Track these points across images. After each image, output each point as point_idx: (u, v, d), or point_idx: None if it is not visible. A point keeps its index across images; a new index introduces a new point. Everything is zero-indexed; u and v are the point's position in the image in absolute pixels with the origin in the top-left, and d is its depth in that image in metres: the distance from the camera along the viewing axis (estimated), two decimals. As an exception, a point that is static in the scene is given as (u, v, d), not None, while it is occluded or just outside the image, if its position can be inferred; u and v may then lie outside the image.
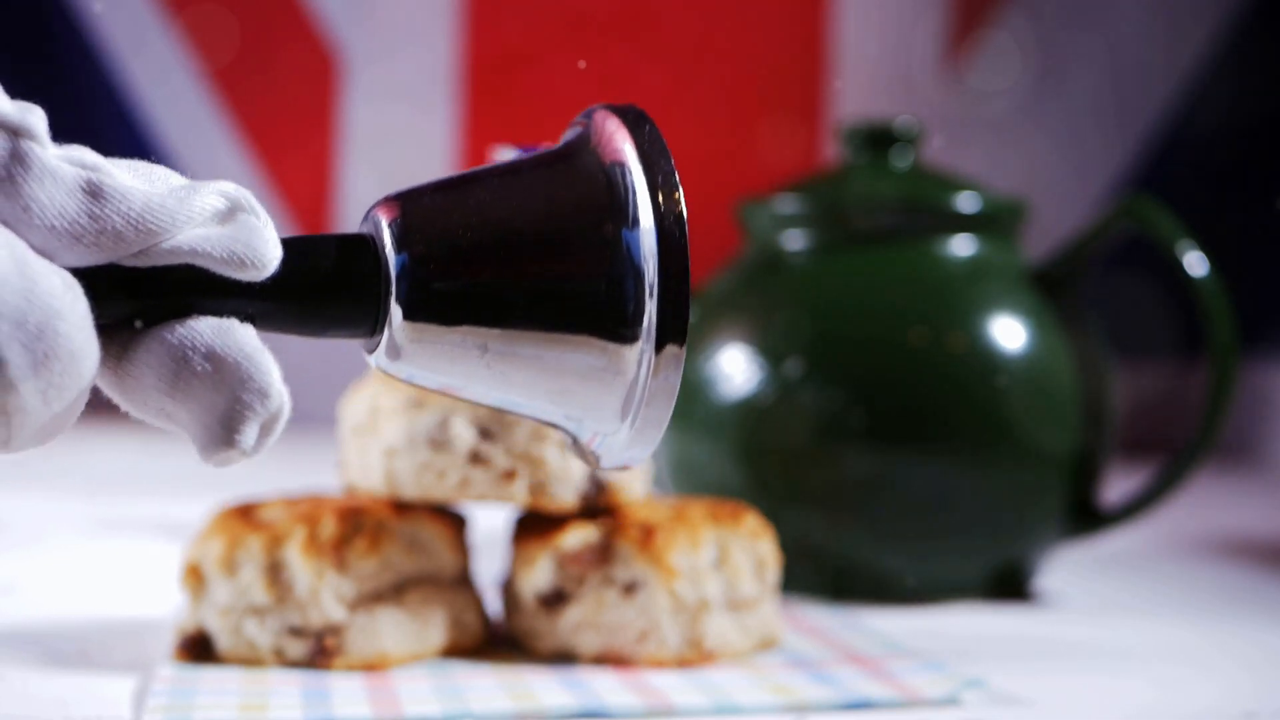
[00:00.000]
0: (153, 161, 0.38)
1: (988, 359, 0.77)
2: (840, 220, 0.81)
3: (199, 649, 0.61)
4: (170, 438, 0.44)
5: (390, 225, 0.39)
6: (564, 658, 0.63)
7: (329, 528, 0.62)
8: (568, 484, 0.64)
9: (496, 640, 0.66)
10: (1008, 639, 0.71)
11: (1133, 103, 1.53)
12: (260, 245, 0.37)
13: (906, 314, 0.78)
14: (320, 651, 0.61)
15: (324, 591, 0.61)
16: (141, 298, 0.37)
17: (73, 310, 0.35)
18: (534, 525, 0.65)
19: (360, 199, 1.53)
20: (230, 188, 0.38)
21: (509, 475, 0.64)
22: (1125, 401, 0.84)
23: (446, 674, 0.61)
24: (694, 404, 0.79)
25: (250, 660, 0.61)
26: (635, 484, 0.66)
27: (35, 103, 0.36)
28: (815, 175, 0.88)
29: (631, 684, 0.60)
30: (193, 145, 1.53)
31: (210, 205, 0.37)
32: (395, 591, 0.62)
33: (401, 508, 0.64)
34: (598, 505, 0.65)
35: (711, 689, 0.59)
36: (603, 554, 0.63)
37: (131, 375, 0.37)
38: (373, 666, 0.61)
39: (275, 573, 0.61)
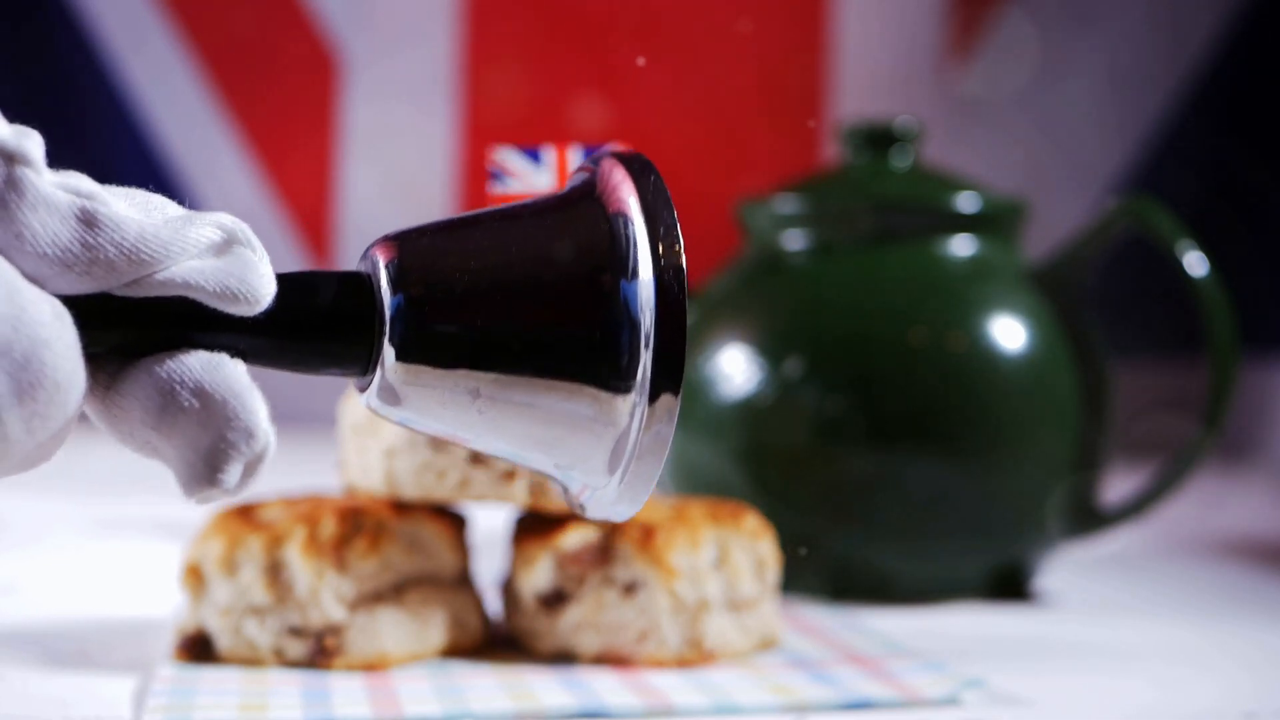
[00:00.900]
0: (151, 190, 0.38)
1: (988, 359, 0.77)
2: (840, 220, 0.81)
3: (199, 649, 0.62)
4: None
5: (387, 265, 0.39)
6: (564, 658, 0.63)
7: (329, 528, 0.62)
8: (568, 484, 0.64)
9: (496, 640, 0.66)
10: (1008, 639, 0.71)
11: (1132, 103, 1.53)
12: (254, 280, 0.37)
13: (906, 314, 0.78)
14: (320, 651, 0.61)
15: (324, 591, 0.61)
16: (132, 328, 0.37)
17: (60, 339, 0.34)
18: (534, 525, 0.65)
19: (360, 199, 1.53)
20: (227, 220, 0.37)
21: (509, 475, 0.64)
22: (1125, 401, 0.84)
23: (446, 674, 0.61)
24: (694, 404, 0.79)
25: (250, 660, 0.61)
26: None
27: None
28: (815, 175, 0.88)
29: (631, 684, 0.60)
30: (192, 145, 1.53)
31: (205, 237, 0.37)
32: (395, 591, 0.62)
33: (401, 508, 0.64)
34: (598, 505, 0.65)
35: (711, 689, 0.59)
36: (603, 554, 0.63)
37: (119, 406, 0.37)
38: (373, 666, 0.61)
39: (275, 573, 0.61)
